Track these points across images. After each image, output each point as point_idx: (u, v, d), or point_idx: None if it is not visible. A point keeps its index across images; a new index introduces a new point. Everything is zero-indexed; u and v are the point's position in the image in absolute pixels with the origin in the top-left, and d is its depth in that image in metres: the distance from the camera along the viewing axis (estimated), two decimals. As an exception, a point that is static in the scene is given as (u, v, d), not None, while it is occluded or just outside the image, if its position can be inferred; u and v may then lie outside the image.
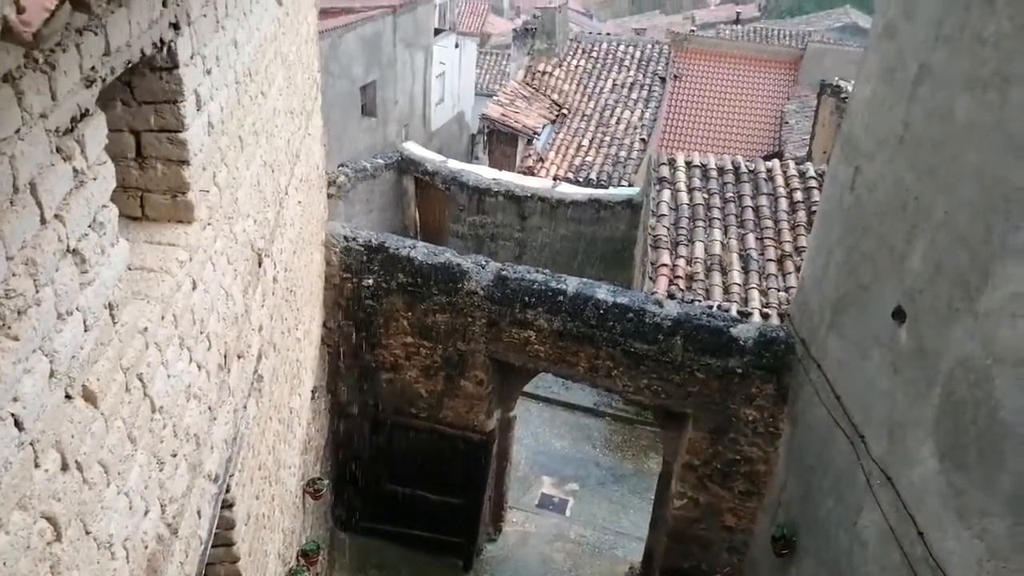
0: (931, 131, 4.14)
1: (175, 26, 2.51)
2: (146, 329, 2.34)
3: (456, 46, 23.38)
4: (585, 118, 18.10)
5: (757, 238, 9.84)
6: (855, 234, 5.00)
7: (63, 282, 1.77)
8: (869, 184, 4.86)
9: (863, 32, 26.75)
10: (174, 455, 2.70)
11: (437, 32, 21.19)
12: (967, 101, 3.81)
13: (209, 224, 3.00)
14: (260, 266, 3.97)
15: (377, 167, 15.27)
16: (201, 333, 2.92)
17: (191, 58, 2.68)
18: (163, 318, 2.49)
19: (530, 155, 16.89)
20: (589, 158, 16.84)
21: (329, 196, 9.01)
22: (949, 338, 3.79)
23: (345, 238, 6.89)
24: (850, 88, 12.75)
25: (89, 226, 1.90)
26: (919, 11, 4.54)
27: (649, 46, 20.73)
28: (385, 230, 14.19)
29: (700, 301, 8.78)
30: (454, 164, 15.38)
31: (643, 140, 17.09)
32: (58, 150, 1.71)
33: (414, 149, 16.19)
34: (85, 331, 1.91)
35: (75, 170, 1.80)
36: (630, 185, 15.26)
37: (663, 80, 19.15)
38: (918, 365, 4.06)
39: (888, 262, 4.45)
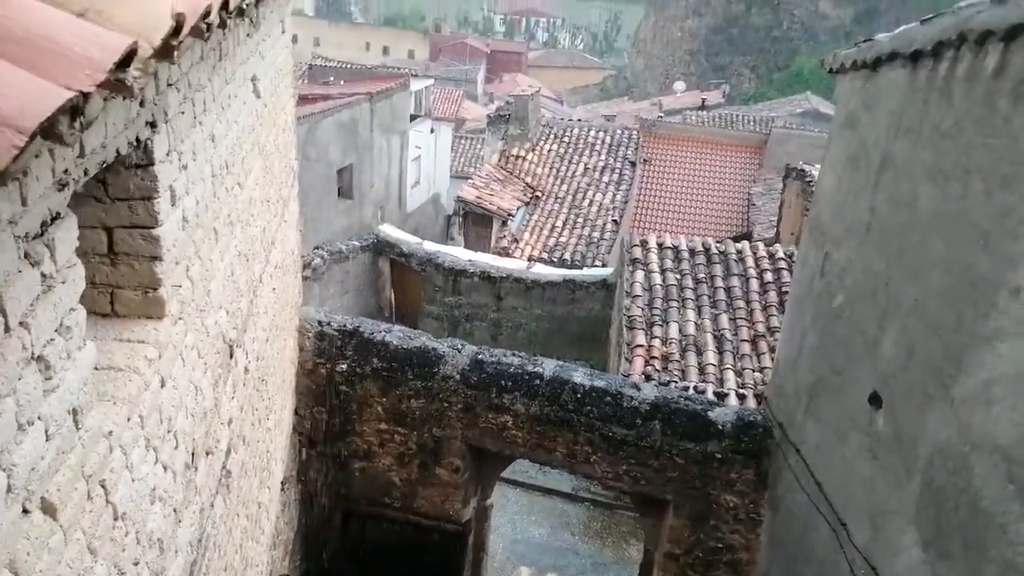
0: (897, 219, 4.25)
1: (152, 124, 2.52)
2: (111, 432, 2.26)
3: (432, 131, 23.91)
4: (558, 200, 18.43)
5: (730, 318, 9.92)
6: (827, 319, 5.06)
7: (26, 391, 1.70)
8: (839, 270, 4.94)
9: (824, 117, 27.84)
10: (136, 563, 2.56)
11: (413, 117, 21.68)
12: (930, 190, 3.92)
13: (180, 319, 2.95)
14: (231, 357, 3.89)
15: (353, 249, 15.31)
16: (168, 432, 2.83)
17: (167, 155, 2.68)
18: (129, 419, 2.41)
19: (505, 236, 17.07)
20: (563, 239, 17.06)
21: (304, 279, 8.97)
22: (926, 424, 3.79)
23: (319, 323, 6.82)
24: (814, 172, 13.16)
25: (55, 331, 1.85)
26: (879, 103, 4.72)
27: (619, 131, 21.34)
28: (360, 312, 14.12)
29: (676, 382, 8.77)
30: (430, 246, 15.48)
31: (615, 221, 17.39)
32: (26, 256, 1.67)
33: (390, 231, 16.30)
34: (47, 440, 1.83)
35: (43, 275, 1.76)
36: (604, 265, 15.43)
37: (633, 164, 19.64)
38: (897, 451, 4.05)
39: (861, 347, 4.48)
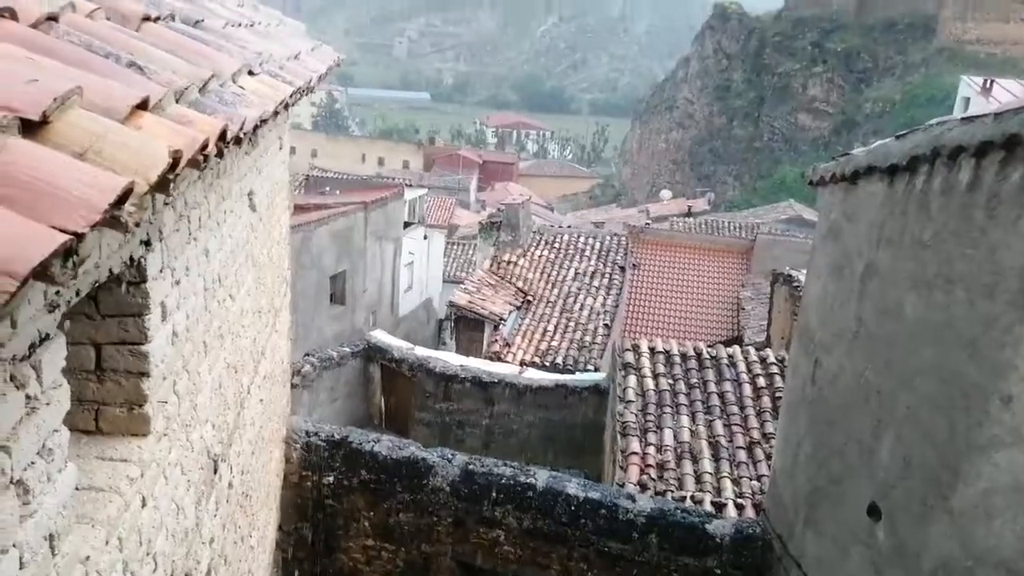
0: (884, 327, 4.28)
1: (147, 243, 2.55)
2: (88, 558, 2.18)
3: (425, 237, 24.32)
4: (550, 304, 18.55)
5: (725, 425, 9.81)
6: (821, 426, 5.01)
7: (2, 518, 1.65)
8: (830, 377, 4.94)
9: (808, 224, 28.50)
10: None
11: (407, 225, 22.10)
12: (915, 299, 3.97)
13: (165, 435, 2.90)
14: (216, 473, 3.80)
15: (343, 355, 15.24)
16: (148, 555, 2.73)
17: (160, 271, 2.71)
18: (107, 543, 2.32)
19: (497, 340, 17.07)
20: (555, 343, 17.06)
21: (293, 387, 8.88)
22: (927, 537, 3.70)
23: (307, 433, 6.71)
24: (801, 278, 13.35)
25: (37, 453, 1.81)
26: (860, 214, 4.85)
27: (608, 237, 21.74)
28: (350, 419, 13.91)
29: (673, 491, 8.57)
30: (421, 351, 15.42)
31: (607, 325, 17.46)
32: (12, 378, 1.66)
33: (381, 337, 16.27)
34: (20, 568, 1.77)
35: (28, 396, 1.74)
36: (596, 370, 15.36)
37: (622, 269, 19.92)
38: (900, 565, 3.93)
39: (857, 456, 4.42)
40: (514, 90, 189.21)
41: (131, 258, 2.41)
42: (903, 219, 4.22)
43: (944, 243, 3.80)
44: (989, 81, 33.66)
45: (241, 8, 4.97)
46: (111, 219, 1.35)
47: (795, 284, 14.16)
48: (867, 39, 59.96)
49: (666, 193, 47.54)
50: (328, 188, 22.47)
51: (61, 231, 1.25)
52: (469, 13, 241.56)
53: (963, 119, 3.86)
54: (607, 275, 19.57)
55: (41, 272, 1.21)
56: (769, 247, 21.82)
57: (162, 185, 1.57)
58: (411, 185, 26.66)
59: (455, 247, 30.73)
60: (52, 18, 2.08)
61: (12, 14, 1.92)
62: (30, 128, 1.45)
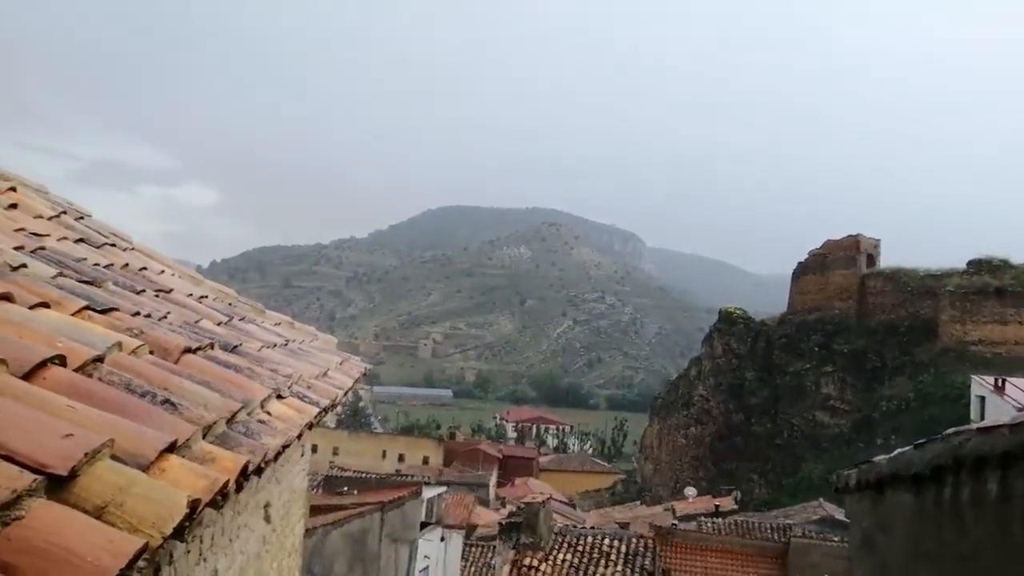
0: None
1: (156, 569, 2.49)
2: None
3: (442, 539, 23.35)
4: (574, 617, 17.13)
5: None
6: None
7: None
8: None
9: (840, 524, 27.17)
10: None
11: (424, 525, 21.34)
12: (968, 621, 3.67)
13: None
14: None
15: None
16: None
17: (165, 597, 2.59)
18: None
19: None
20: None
21: None
22: None
23: None
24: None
25: None
26: (892, 526, 4.66)
27: (634, 540, 20.72)
28: None
29: None
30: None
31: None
32: None
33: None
34: None
35: None
36: None
37: (651, 575, 18.69)
38: None
39: None
40: (533, 386, 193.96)
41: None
42: (938, 531, 4.05)
43: (984, 555, 3.60)
44: (1000, 380, 34.15)
45: (278, 327, 5.35)
46: (120, 573, 1.34)
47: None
48: (871, 340, 61.68)
49: (691, 490, 46.17)
50: (346, 488, 22.15)
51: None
52: (491, 318, 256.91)
53: (979, 430, 3.87)
54: (635, 583, 18.31)
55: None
56: (804, 552, 20.63)
57: (178, 533, 1.58)
58: (429, 483, 26.20)
59: (473, 549, 29.29)
60: (99, 359, 2.25)
61: (62, 360, 2.09)
62: (57, 483, 1.51)
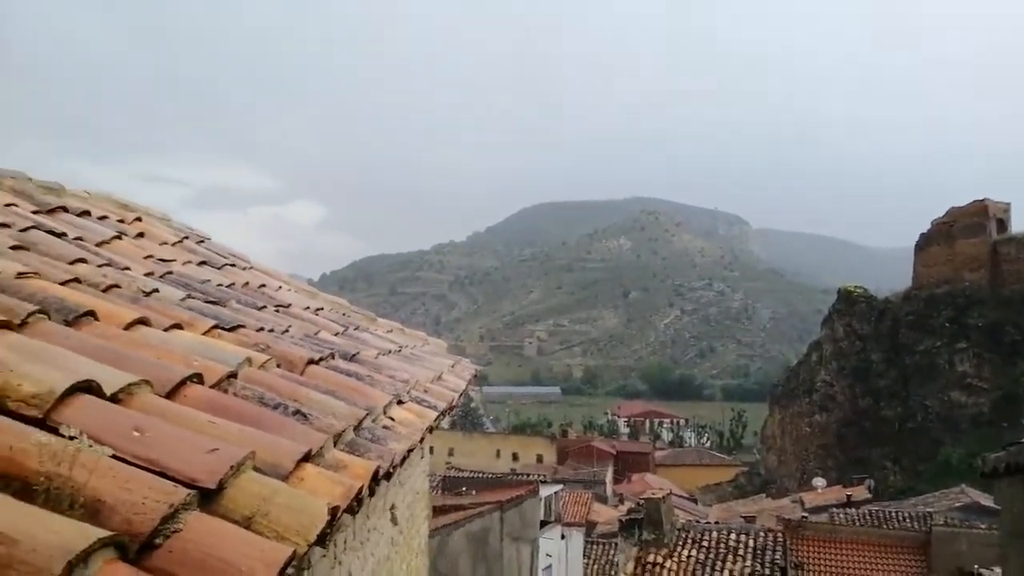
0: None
1: (298, 573, 2.57)
2: None
3: (563, 537, 23.37)
4: (703, 614, 16.77)
5: None
6: None
7: None
8: None
9: (988, 512, 25.39)
10: None
11: (543, 524, 21.42)
12: None
13: None
14: None
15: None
16: None
17: (304, 600, 2.69)
18: None
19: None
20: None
21: None
22: None
23: None
24: (996, 579, 11.57)
25: None
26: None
27: (762, 534, 20.08)
28: None
29: None
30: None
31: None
32: None
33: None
34: None
35: None
36: None
37: (783, 570, 18.06)
38: None
39: None
40: (643, 380, 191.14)
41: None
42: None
43: None
44: None
45: (390, 334, 5.47)
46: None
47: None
48: (1008, 312, 57.56)
49: (820, 481, 44.18)
50: (464, 488, 22.52)
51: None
52: (594, 312, 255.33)
53: None
54: (766, 577, 17.74)
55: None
56: (949, 541, 19.37)
57: (321, 540, 1.63)
58: (546, 481, 26.25)
59: (595, 546, 29.15)
60: (232, 375, 2.36)
61: (199, 378, 2.20)
62: (206, 496, 1.58)
